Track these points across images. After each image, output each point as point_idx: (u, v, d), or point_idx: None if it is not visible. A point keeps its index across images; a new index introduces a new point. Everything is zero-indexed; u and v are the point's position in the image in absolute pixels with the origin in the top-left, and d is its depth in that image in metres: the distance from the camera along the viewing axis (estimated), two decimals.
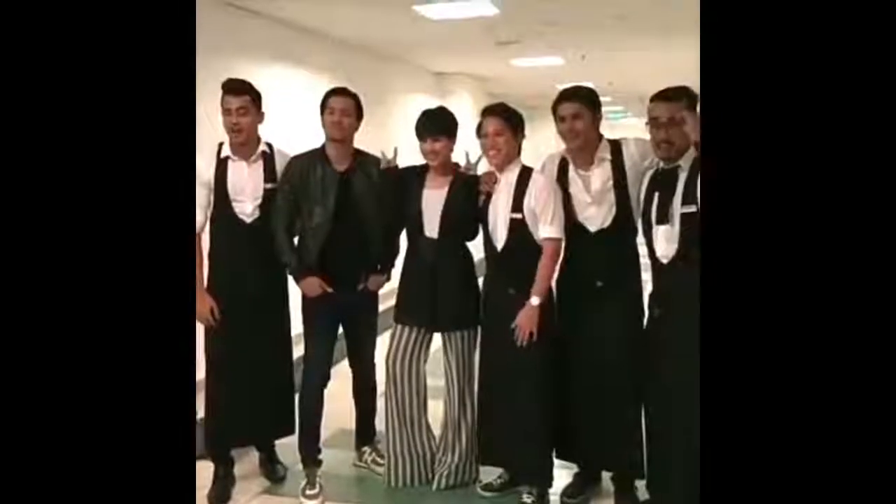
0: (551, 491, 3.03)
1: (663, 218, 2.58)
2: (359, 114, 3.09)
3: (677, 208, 2.53)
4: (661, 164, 2.64)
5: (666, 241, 2.58)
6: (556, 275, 2.98)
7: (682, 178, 2.54)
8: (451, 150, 3.01)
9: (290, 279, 3.17)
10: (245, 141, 3.01)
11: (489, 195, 2.94)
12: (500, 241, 2.90)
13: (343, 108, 3.03)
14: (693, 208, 2.47)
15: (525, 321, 2.81)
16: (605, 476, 3.14)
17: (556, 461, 3.04)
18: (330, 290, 3.03)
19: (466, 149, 3.12)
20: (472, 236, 3.06)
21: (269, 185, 3.04)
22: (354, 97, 3.09)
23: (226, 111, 2.96)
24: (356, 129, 3.10)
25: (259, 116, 3.05)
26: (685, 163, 2.55)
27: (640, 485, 2.93)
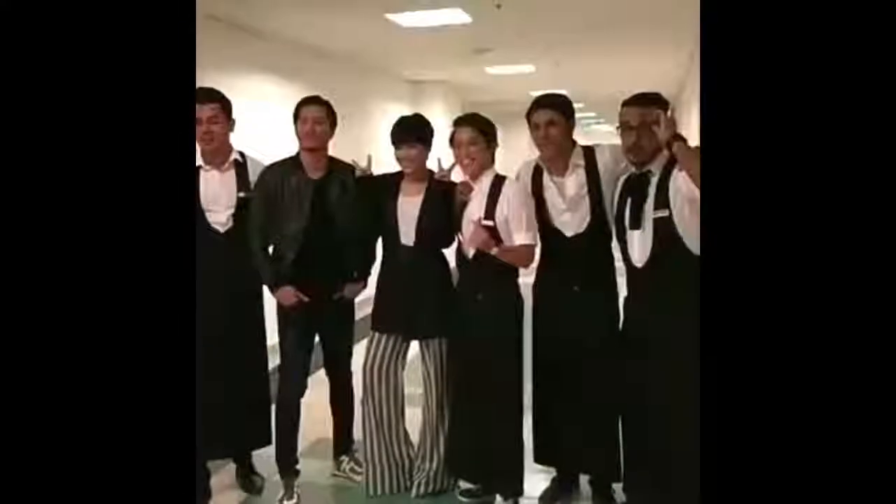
0: (531, 495, 3.04)
1: (636, 223, 2.60)
2: (332, 122, 3.09)
3: (650, 213, 2.56)
4: (633, 169, 2.67)
5: (639, 245, 2.60)
6: (532, 279, 3.01)
7: (654, 182, 2.57)
8: (426, 157, 3.02)
9: (266, 288, 3.16)
10: (216, 149, 3.00)
11: (465, 203, 2.94)
12: (471, 249, 2.90)
13: (316, 116, 3.02)
14: (665, 213, 2.50)
15: (474, 237, 2.80)
16: (583, 480, 3.15)
17: (534, 465, 3.05)
18: (306, 298, 3.02)
19: (440, 156, 3.13)
20: (449, 244, 3.06)
21: (242, 194, 3.03)
22: (327, 105, 3.08)
23: (196, 120, 2.95)
24: (330, 136, 3.10)
25: (229, 124, 3.04)
26: (656, 168, 2.59)
27: (618, 487, 2.95)
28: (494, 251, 2.76)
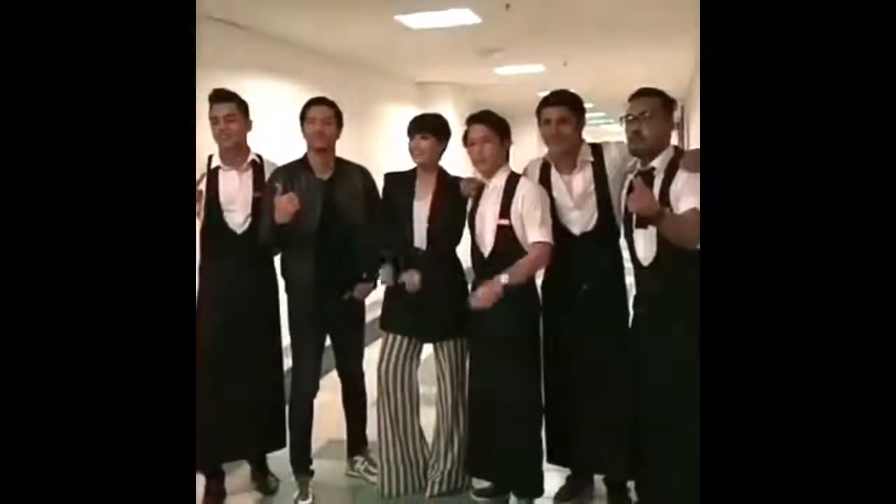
0: (545, 494, 3.03)
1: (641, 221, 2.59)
2: (339, 122, 3.11)
3: None
4: (639, 166, 2.66)
5: (645, 243, 2.58)
6: (540, 278, 3.00)
7: (659, 180, 2.55)
8: (438, 152, 3.03)
9: (281, 291, 3.18)
10: (234, 147, 3.03)
11: (477, 202, 2.94)
12: (486, 248, 2.88)
13: (324, 117, 3.04)
14: (667, 211, 2.48)
15: (486, 294, 2.74)
16: (598, 478, 3.14)
17: (548, 465, 3.04)
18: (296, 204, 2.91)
19: (453, 156, 3.12)
20: (456, 242, 3.06)
21: (258, 194, 3.06)
22: (333, 106, 3.10)
23: (213, 119, 3.00)
24: (337, 137, 3.12)
25: (247, 124, 3.07)
26: (660, 164, 2.57)
27: (632, 485, 2.94)
28: (504, 280, 2.72)
